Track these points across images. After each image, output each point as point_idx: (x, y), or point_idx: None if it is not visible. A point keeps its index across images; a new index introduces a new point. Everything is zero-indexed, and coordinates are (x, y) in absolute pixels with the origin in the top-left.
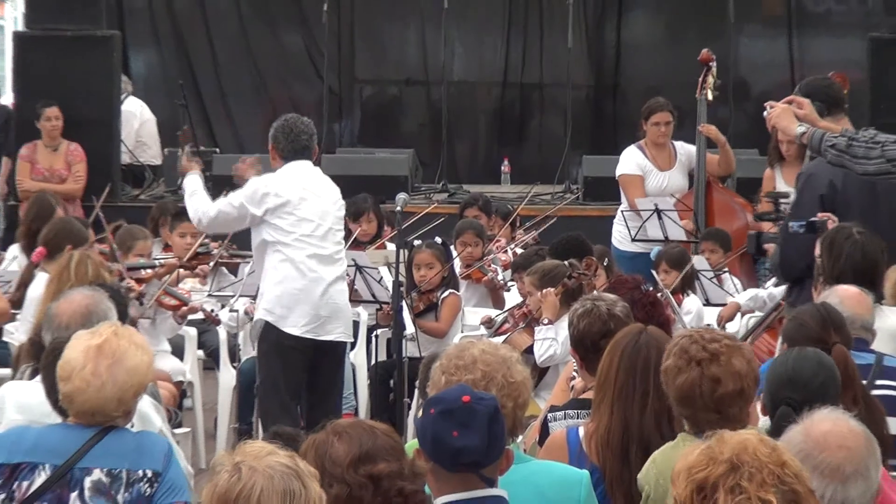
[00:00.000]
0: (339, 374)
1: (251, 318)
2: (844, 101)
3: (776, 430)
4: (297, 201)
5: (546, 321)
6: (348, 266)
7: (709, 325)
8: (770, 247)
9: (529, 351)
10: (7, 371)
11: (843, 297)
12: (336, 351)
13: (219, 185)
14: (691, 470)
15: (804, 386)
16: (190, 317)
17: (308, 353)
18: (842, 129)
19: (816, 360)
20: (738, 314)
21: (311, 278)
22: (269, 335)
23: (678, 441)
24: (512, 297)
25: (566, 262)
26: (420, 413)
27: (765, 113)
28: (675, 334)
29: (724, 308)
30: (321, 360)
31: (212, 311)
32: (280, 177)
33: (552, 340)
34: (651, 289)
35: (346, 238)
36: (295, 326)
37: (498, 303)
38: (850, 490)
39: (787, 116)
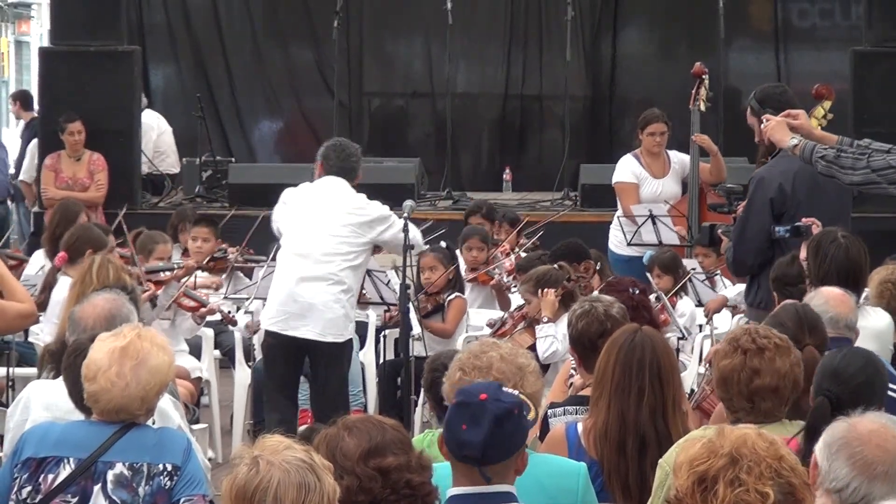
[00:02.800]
0: (327, 373)
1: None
2: (796, 108)
3: (812, 419)
4: (295, 207)
5: (546, 319)
6: None
7: (700, 325)
8: (725, 240)
9: (531, 349)
10: (33, 370)
11: (828, 297)
12: (316, 349)
13: (233, 192)
14: (693, 462)
15: (846, 381)
16: (207, 318)
17: (289, 349)
18: (838, 138)
19: (865, 358)
20: (728, 309)
21: (282, 272)
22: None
23: (704, 430)
24: (517, 300)
25: (556, 266)
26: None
27: (762, 125)
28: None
29: (711, 300)
30: (304, 358)
31: (228, 312)
32: (299, 189)
33: (553, 338)
34: (637, 292)
35: None
36: (265, 319)
37: (505, 304)
38: (875, 489)
39: (781, 129)
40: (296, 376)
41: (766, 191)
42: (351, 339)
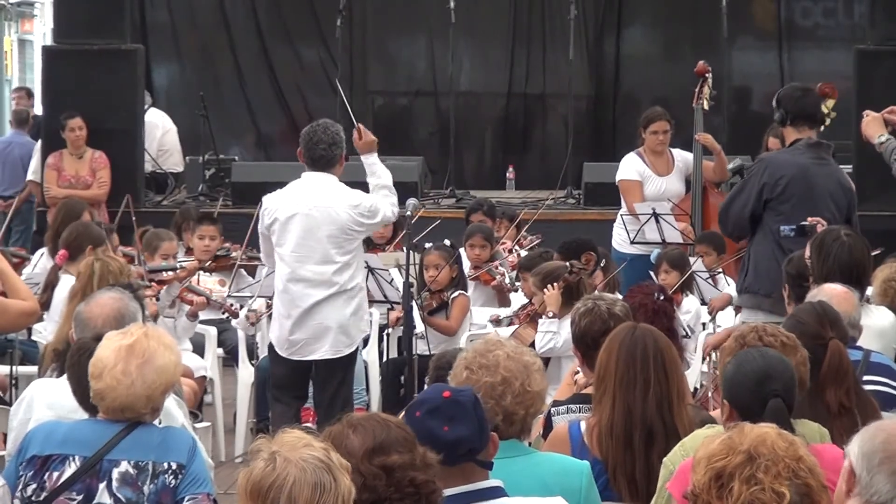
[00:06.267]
0: (333, 380)
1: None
2: (816, 115)
3: (775, 422)
4: (285, 220)
5: (551, 314)
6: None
7: (704, 323)
8: None
9: (533, 345)
10: (36, 369)
11: (830, 295)
12: (323, 365)
13: (237, 191)
14: (711, 458)
15: (788, 379)
16: (210, 315)
17: (298, 363)
18: None
19: (778, 355)
20: (731, 307)
21: (284, 302)
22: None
23: (708, 429)
24: (518, 298)
25: (567, 264)
26: (403, 417)
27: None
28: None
29: (715, 299)
30: (312, 370)
31: (231, 304)
32: (281, 193)
33: (554, 334)
34: (663, 298)
35: (365, 241)
36: (277, 345)
37: (505, 304)
38: None
39: (875, 125)
40: (304, 381)
41: (762, 174)
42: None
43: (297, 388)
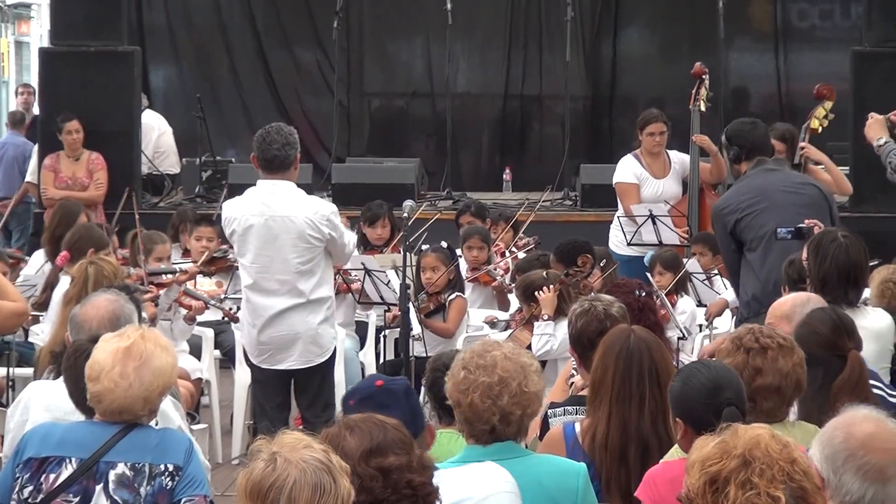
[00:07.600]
0: (313, 387)
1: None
2: (767, 146)
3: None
4: (242, 231)
5: (546, 317)
6: (358, 269)
7: (700, 325)
8: None
9: (530, 348)
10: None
11: (806, 299)
12: (299, 373)
13: (234, 193)
14: (705, 462)
15: (738, 387)
16: (206, 317)
17: (276, 373)
18: None
19: (723, 365)
20: (728, 310)
21: (249, 310)
22: None
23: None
24: (517, 300)
25: (544, 274)
26: (340, 409)
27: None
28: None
29: (712, 304)
30: (291, 380)
31: (230, 308)
32: (238, 202)
33: (550, 336)
34: (644, 294)
35: (363, 242)
36: (249, 352)
37: (504, 304)
38: (890, 490)
39: (877, 127)
40: (284, 387)
41: (720, 222)
42: (334, 349)
43: (278, 393)
